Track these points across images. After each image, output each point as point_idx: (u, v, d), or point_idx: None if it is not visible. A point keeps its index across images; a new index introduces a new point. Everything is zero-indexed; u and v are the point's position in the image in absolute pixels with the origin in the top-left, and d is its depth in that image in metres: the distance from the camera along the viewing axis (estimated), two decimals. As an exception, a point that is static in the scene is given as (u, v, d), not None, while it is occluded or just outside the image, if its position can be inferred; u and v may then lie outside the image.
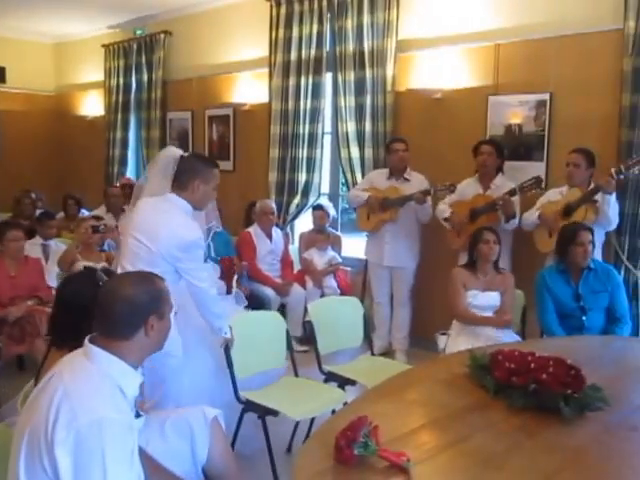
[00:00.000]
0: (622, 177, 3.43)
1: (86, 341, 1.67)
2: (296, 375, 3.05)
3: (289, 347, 3.06)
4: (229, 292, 3.57)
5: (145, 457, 1.85)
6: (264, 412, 2.69)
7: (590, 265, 3.28)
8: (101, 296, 1.70)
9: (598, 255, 3.63)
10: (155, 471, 1.89)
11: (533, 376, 1.99)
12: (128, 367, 1.66)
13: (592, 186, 3.56)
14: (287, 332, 3.08)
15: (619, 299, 3.30)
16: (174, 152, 2.73)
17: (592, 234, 3.27)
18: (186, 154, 2.75)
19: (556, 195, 3.77)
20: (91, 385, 1.58)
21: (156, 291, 1.73)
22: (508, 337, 3.28)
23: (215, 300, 2.67)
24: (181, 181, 2.64)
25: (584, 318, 3.24)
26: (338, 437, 1.63)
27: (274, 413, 2.68)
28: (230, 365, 2.76)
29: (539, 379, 1.96)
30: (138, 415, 1.86)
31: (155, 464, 1.93)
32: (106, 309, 1.67)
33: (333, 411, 2.63)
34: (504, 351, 2.20)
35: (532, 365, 2.04)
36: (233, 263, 3.80)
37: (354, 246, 5.39)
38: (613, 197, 3.45)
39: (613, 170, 3.39)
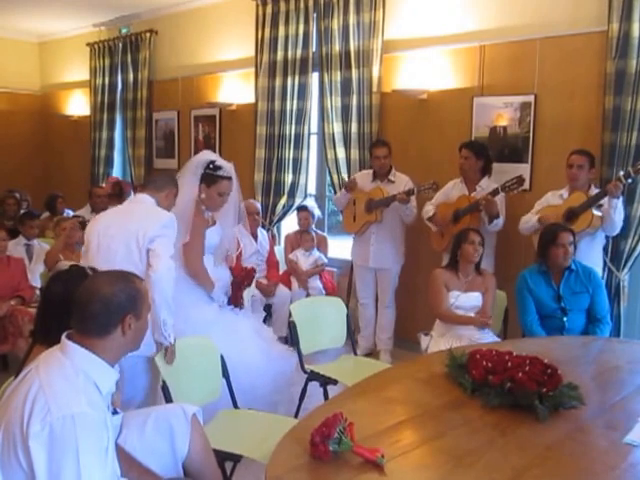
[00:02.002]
0: (630, 181, 3.38)
1: (63, 337, 1.68)
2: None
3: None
4: (235, 304, 3.31)
5: (121, 453, 1.85)
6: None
7: (571, 266, 3.29)
8: (79, 294, 1.70)
9: (599, 259, 3.64)
10: (131, 467, 1.89)
11: (509, 375, 1.99)
12: (104, 363, 1.67)
13: (596, 190, 3.53)
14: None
15: (600, 300, 3.30)
16: (207, 156, 3.21)
17: (573, 236, 3.28)
18: (216, 159, 3.20)
19: (556, 198, 3.69)
20: (65, 380, 1.58)
21: (134, 290, 1.73)
22: (489, 338, 3.28)
23: (170, 284, 2.61)
24: (158, 185, 2.91)
25: (565, 319, 3.25)
26: (313, 433, 1.65)
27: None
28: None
29: (515, 378, 1.97)
30: (115, 412, 1.85)
31: (131, 460, 1.93)
32: (83, 307, 1.67)
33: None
34: (482, 350, 2.21)
35: (509, 364, 2.05)
36: (250, 274, 3.50)
37: (341, 248, 5.39)
38: (620, 201, 3.40)
39: (621, 174, 3.35)
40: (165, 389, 2.36)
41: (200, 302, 3.12)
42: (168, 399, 2.34)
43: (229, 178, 3.20)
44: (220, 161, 3.23)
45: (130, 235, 2.69)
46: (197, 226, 3.13)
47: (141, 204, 2.86)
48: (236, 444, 2.31)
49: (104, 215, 2.99)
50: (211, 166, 3.17)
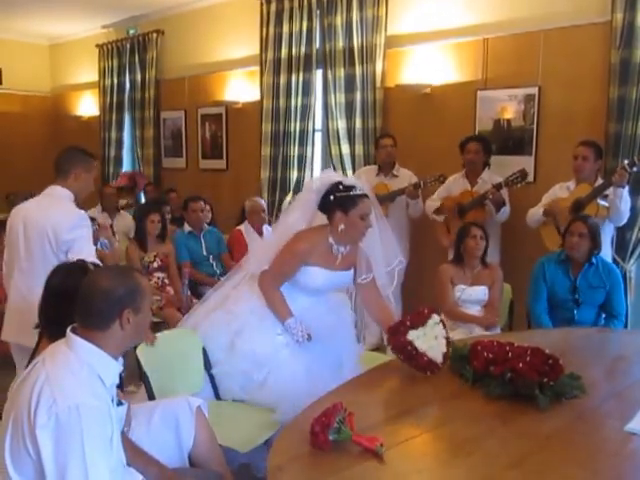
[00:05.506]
0: (636, 170, 3.33)
1: (68, 331, 1.71)
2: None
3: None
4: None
5: (128, 443, 1.90)
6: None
7: (592, 260, 3.23)
8: (82, 288, 1.73)
9: (608, 250, 3.60)
10: (137, 457, 1.93)
11: (510, 365, 2.00)
12: (107, 356, 1.70)
13: (602, 181, 3.50)
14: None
15: (618, 297, 3.26)
16: (330, 178, 2.64)
17: (588, 227, 3.19)
18: (342, 179, 2.65)
19: (563, 190, 3.67)
20: (70, 372, 1.62)
21: (134, 285, 1.74)
22: (498, 330, 3.29)
23: None
24: (64, 170, 2.80)
25: (575, 311, 3.22)
26: (313, 423, 1.67)
27: None
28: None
29: (515, 368, 1.97)
30: (120, 404, 1.89)
31: (137, 450, 1.97)
32: (85, 300, 1.71)
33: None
34: (483, 341, 2.21)
35: (509, 354, 2.06)
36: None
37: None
38: (626, 190, 3.37)
39: (626, 162, 3.31)
40: (145, 380, 2.38)
41: (266, 330, 2.69)
42: (149, 390, 2.37)
43: (367, 195, 2.63)
44: (347, 180, 2.71)
45: (43, 235, 2.66)
46: (290, 258, 2.63)
47: (51, 198, 2.78)
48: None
49: (25, 208, 2.85)
50: (341, 187, 2.58)
